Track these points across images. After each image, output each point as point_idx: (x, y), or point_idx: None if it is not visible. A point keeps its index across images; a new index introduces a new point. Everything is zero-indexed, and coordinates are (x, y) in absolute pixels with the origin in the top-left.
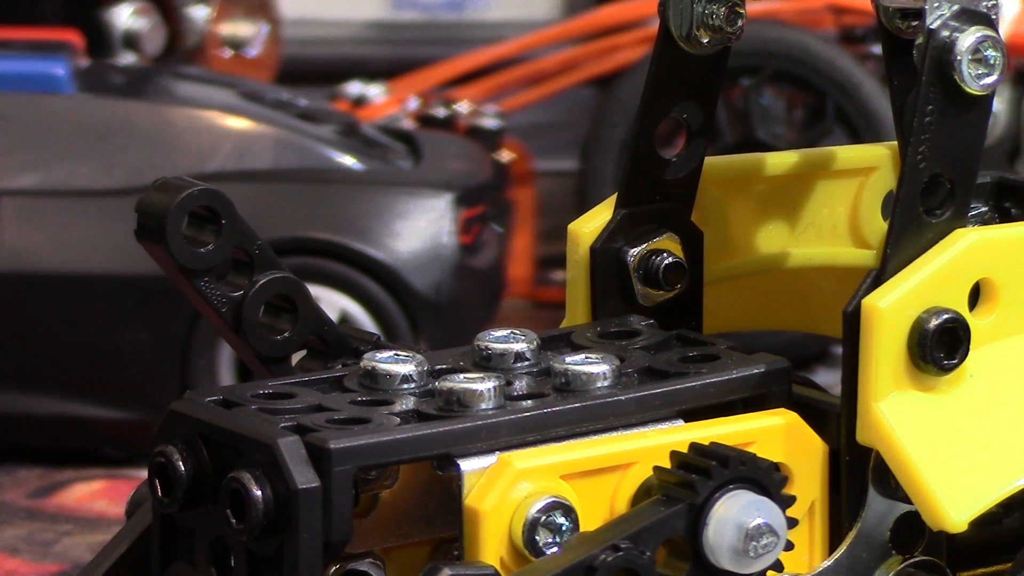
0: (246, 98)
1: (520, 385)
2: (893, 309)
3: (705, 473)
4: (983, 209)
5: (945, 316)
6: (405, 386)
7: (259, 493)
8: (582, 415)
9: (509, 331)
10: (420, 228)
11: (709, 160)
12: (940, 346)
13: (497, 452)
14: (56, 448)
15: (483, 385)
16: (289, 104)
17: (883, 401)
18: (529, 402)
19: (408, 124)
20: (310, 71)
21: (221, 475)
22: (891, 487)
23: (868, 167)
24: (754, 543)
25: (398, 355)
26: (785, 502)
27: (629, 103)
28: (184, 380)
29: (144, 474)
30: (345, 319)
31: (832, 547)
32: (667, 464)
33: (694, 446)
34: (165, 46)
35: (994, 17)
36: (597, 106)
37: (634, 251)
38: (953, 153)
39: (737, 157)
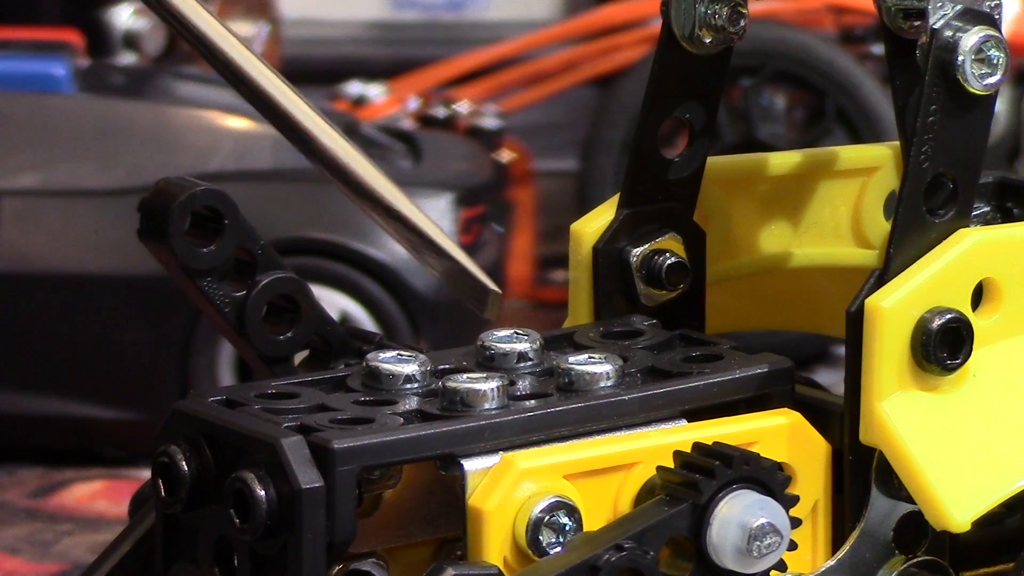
0: None
1: (523, 385)
2: (896, 309)
3: (709, 473)
4: (985, 209)
5: (948, 316)
6: (408, 386)
7: (263, 493)
8: (585, 415)
9: (512, 331)
10: None
11: (711, 160)
12: (943, 346)
13: (501, 452)
14: (56, 448)
15: (486, 385)
16: None
17: (886, 401)
18: (532, 402)
19: (408, 124)
20: (310, 71)
21: (224, 475)
22: (894, 487)
23: (870, 167)
24: (757, 543)
25: (401, 355)
26: (788, 502)
27: (629, 103)
28: (184, 380)
29: (145, 474)
30: (345, 319)
31: (835, 547)
32: (670, 464)
33: (697, 446)
34: (165, 46)
35: (997, 17)
36: (597, 106)
37: (637, 251)
38: (956, 153)
39: (739, 157)
